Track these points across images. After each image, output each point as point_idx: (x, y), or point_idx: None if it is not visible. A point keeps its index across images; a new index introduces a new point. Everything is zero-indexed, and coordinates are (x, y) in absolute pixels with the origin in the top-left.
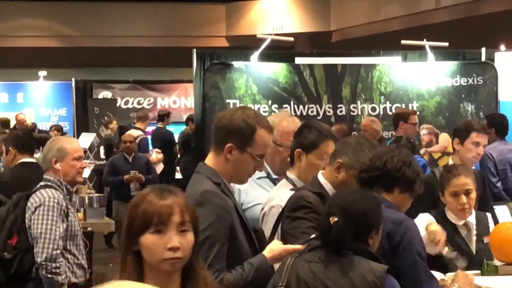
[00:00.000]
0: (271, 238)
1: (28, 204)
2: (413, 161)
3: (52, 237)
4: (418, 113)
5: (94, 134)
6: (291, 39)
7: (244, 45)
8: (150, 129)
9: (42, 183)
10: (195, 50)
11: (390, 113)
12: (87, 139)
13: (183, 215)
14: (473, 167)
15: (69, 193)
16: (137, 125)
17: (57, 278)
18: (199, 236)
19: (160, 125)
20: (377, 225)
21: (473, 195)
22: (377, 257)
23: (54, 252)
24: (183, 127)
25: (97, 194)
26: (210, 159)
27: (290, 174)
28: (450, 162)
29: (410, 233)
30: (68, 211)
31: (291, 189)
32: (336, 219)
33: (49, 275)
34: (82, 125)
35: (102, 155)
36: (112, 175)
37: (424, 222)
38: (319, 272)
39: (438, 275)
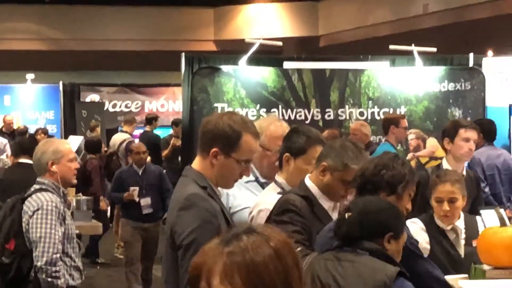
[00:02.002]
0: None
1: (25, 208)
2: (397, 164)
3: (52, 241)
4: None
5: (82, 137)
6: (280, 43)
7: (232, 49)
8: (137, 132)
9: (36, 187)
10: (183, 53)
11: (378, 118)
12: (74, 142)
13: (209, 280)
14: (466, 169)
15: (64, 196)
16: (124, 128)
17: (57, 282)
18: (185, 240)
19: (147, 128)
20: (395, 231)
21: (459, 203)
22: (393, 260)
23: (54, 256)
24: (170, 131)
25: (84, 197)
26: (196, 163)
27: (279, 178)
28: (444, 162)
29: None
30: (65, 214)
31: (279, 193)
32: (350, 214)
33: (49, 279)
34: (69, 128)
35: None
36: (119, 190)
37: (414, 229)
38: (333, 268)
39: None
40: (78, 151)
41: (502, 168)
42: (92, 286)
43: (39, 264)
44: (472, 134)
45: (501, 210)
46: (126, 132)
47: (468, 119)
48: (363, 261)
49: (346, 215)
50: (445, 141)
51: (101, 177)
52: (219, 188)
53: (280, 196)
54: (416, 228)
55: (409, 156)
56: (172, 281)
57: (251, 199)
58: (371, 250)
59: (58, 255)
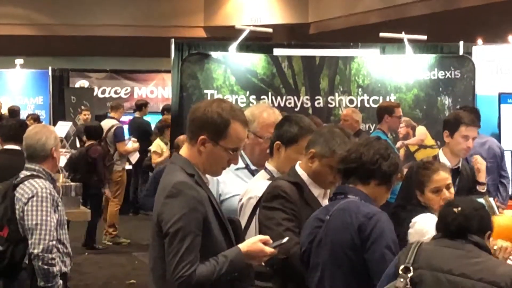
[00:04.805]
0: (246, 227)
1: (17, 195)
2: (392, 154)
3: (48, 228)
4: None
5: (70, 123)
6: (270, 30)
7: (222, 36)
8: (127, 118)
9: (27, 173)
10: (173, 40)
11: (368, 106)
12: (63, 128)
13: None
14: (461, 161)
15: (54, 182)
16: (111, 114)
17: (53, 269)
18: (171, 227)
19: (137, 115)
20: (491, 230)
21: (452, 189)
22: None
23: (51, 243)
24: (160, 117)
25: (73, 183)
26: (184, 150)
27: (269, 165)
28: (440, 153)
29: (380, 227)
30: (58, 200)
31: (268, 179)
32: (460, 208)
33: (45, 266)
34: (58, 114)
35: (78, 145)
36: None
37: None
38: (454, 256)
39: None
40: (66, 137)
41: (487, 156)
42: (79, 273)
43: (35, 251)
44: (472, 132)
45: (490, 199)
46: (113, 118)
47: (458, 107)
48: (479, 253)
49: (455, 210)
50: (445, 133)
51: (104, 164)
52: (208, 176)
53: (269, 182)
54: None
55: (399, 144)
56: (159, 268)
57: (241, 186)
58: (479, 244)
59: (54, 242)
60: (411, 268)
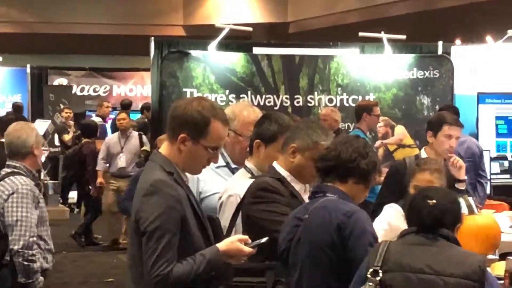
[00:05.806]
0: (230, 228)
1: None
2: (370, 152)
3: (28, 224)
4: None
5: (49, 121)
6: (250, 29)
7: (201, 35)
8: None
9: (8, 170)
10: (153, 38)
11: (347, 105)
12: (41, 126)
13: None
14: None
15: (35, 180)
16: (97, 112)
17: (33, 265)
18: (149, 226)
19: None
20: (461, 222)
21: None
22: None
23: (31, 239)
24: (139, 116)
25: (51, 181)
26: (164, 148)
27: (249, 163)
28: (423, 153)
29: (360, 225)
30: (39, 197)
31: (250, 177)
32: (434, 201)
33: (26, 263)
34: (37, 112)
35: (57, 142)
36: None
37: (391, 216)
38: (423, 254)
39: None
40: (45, 135)
41: (464, 156)
42: (57, 271)
43: (16, 247)
44: (455, 132)
45: (470, 198)
46: (98, 116)
47: (436, 107)
48: (449, 247)
49: (430, 202)
50: (428, 133)
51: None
52: (187, 174)
53: (251, 180)
54: (395, 212)
55: (378, 143)
56: (137, 266)
57: (221, 184)
58: (450, 238)
59: (34, 239)
60: (380, 271)
